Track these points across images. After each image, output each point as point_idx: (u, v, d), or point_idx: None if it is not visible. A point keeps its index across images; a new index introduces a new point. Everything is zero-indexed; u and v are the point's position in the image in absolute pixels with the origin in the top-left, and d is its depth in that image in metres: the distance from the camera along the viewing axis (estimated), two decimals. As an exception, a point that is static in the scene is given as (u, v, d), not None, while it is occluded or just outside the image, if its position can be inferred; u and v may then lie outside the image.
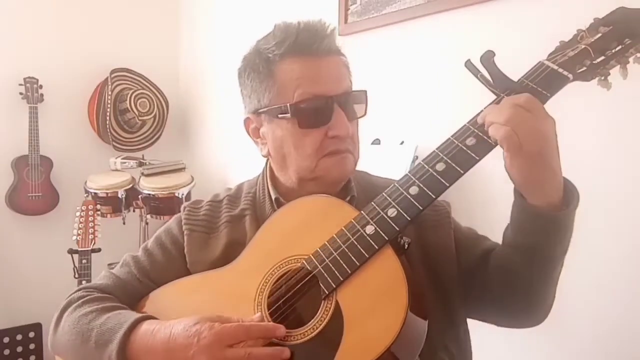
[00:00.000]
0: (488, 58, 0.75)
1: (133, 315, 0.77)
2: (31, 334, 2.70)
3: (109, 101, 2.76)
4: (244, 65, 0.92)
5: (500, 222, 0.81)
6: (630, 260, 1.20)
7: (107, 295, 0.87)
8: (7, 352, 2.64)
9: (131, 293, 0.89)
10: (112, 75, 2.80)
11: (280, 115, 0.85)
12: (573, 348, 1.30)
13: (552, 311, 0.84)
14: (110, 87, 2.77)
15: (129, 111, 2.79)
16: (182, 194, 2.45)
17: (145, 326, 0.75)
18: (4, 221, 2.76)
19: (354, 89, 0.89)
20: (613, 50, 0.73)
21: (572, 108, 0.99)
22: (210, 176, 2.87)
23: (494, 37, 1.46)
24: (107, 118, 2.78)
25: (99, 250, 2.30)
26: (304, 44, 0.83)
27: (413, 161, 1.54)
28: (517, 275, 0.78)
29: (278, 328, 0.70)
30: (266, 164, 0.96)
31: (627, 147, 1.20)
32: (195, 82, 3.12)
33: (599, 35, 0.73)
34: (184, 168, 2.70)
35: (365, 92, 0.88)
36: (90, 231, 2.31)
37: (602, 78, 0.74)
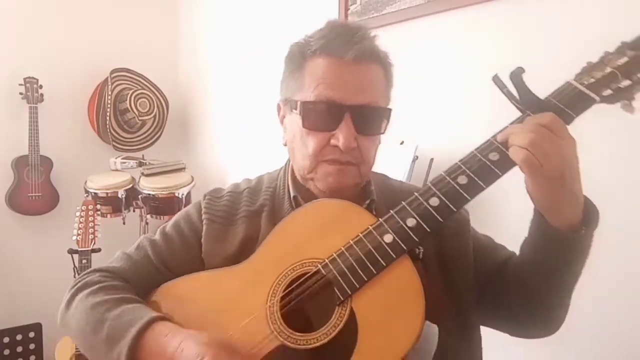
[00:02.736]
0: (517, 74, 0.74)
1: (147, 313, 0.77)
2: (31, 334, 2.70)
3: (109, 101, 2.76)
4: (287, 52, 0.89)
5: (510, 225, 0.80)
6: (629, 261, 1.20)
7: (123, 283, 0.86)
8: (7, 352, 2.64)
9: (146, 277, 0.88)
10: (112, 75, 2.80)
11: (293, 110, 0.85)
12: (578, 349, 1.30)
13: (566, 322, 0.83)
14: (110, 87, 2.77)
15: (129, 111, 2.79)
16: (182, 194, 2.45)
17: (160, 328, 0.74)
18: (4, 221, 2.76)
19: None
20: (639, 76, 0.72)
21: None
22: (210, 176, 2.87)
23: (493, 38, 1.46)
24: (107, 118, 2.78)
25: (99, 250, 2.30)
26: (337, 45, 0.81)
27: (413, 161, 1.54)
28: (531, 288, 0.78)
29: None
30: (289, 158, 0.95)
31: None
32: (195, 82, 3.12)
33: (626, 59, 0.73)
34: (184, 168, 2.70)
35: (388, 110, 0.86)
36: (90, 231, 2.31)
37: (627, 102, 0.73)
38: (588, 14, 1.25)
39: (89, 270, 0.89)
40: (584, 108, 0.71)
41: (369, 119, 0.83)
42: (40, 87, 2.73)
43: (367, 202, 0.87)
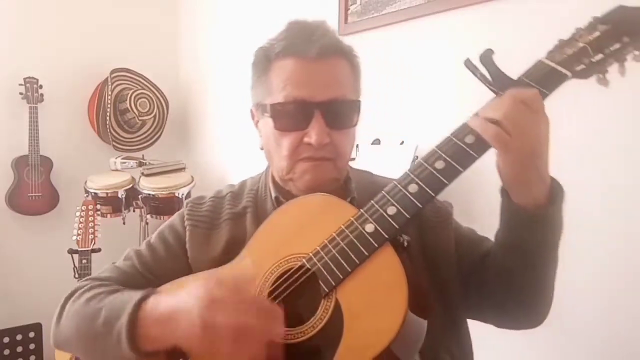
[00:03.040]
0: (487, 56, 0.75)
1: (140, 292, 0.77)
2: (31, 334, 2.70)
3: (109, 101, 2.76)
4: (253, 58, 0.91)
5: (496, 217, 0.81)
6: (628, 260, 1.20)
7: (111, 283, 0.87)
8: (7, 352, 2.64)
9: (134, 287, 0.88)
10: (112, 75, 2.80)
11: (265, 114, 0.86)
12: (574, 348, 1.30)
13: (553, 312, 0.83)
14: (110, 87, 2.77)
15: (129, 111, 2.80)
16: (182, 194, 2.45)
17: (153, 298, 0.75)
18: (4, 221, 2.76)
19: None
20: (611, 49, 0.73)
21: (569, 105, 0.99)
22: (210, 176, 2.87)
23: (493, 37, 1.46)
24: (107, 118, 2.78)
25: (99, 250, 2.30)
26: (299, 44, 0.82)
27: (413, 161, 1.54)
28: (509, 274, 0.79)
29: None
30: None
31: (624, 143, 1.20)
32: (195, 82, 3.12)
33: (598, 34, 0.73)
34: (184, 168, 2.70)
35: (357, 101, 0.87)
36: (90, 231, 2.31)
37: (601, 76, 0.74)
38: (588, 14, 1.25)
39: (79, 282, 0.90)
40: (557, 85, 0.72)
41: (338, 113, 0.84)
42: (40, 87, 2.73)
43: (348, 200, 0.88)
